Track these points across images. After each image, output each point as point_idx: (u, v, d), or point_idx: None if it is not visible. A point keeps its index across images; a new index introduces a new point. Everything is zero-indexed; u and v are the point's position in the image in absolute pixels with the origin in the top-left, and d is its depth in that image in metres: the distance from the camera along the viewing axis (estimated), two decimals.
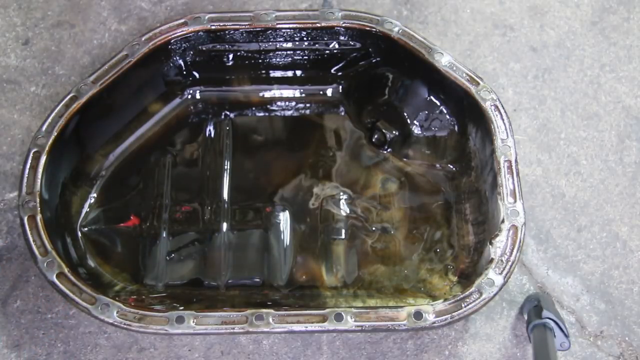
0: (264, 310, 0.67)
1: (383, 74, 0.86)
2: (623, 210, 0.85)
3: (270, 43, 0.84)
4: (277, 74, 0.89)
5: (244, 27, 0.81)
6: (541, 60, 0.93)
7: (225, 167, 0.85)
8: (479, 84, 0.76)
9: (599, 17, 0.96)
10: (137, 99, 0.85)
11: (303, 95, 0.90)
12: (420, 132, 0.85)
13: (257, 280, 0.79)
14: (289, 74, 0.89)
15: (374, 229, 0.82)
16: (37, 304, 0.81)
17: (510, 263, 0.69)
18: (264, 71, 0.88)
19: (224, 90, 0.89)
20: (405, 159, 0.86)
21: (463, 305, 0.67)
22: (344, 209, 0.83)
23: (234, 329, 0.67)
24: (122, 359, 0.79)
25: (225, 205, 0.82)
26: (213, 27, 0.81)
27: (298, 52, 0.85)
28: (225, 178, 0.84)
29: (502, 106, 0.76)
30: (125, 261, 0.80)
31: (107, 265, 0.79)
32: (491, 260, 0.69)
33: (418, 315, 0.67)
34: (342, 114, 0.89)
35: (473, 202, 0.80)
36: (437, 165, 0.85)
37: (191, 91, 0.89)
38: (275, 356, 0.79)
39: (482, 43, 0.94)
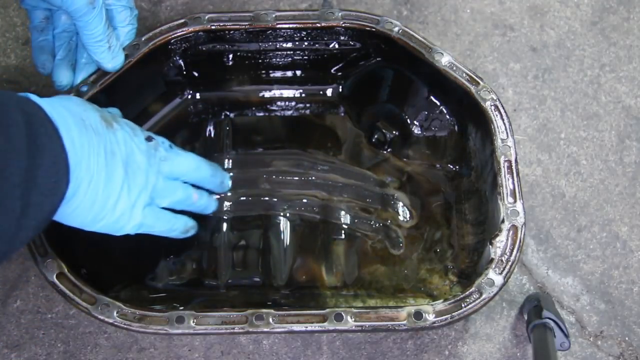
0: (264, 310, 0.67)
1: (383, 74, 0.86)
2: (623, 210, 0.85)
3: (270, 43, 0.84)
4: (277, 74, 0.89)
5: (244, 27, 0.81)
6: (541, 60, 0.93)
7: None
8: (479, 84, 0.76)
9: (599, 17, 0.96)
10: (137, 99, 0.85)
11: (303, 95, 0.90)
12: (420, 132, 0.85)
13: (257, 280, 0.79)
14: (289, 74, 0.89)
15: None
16: (37, 304, 0.81)
17: (510, 263, 0.69)
18: (264, 71, 0.88)
19: (224, 90, 0.89)
20: (405, 159, 0.86)
21: (463, 305, 0.67)
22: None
23: (234, 329, 0.67)
24: (122, 359, 0.79)
25: None
26: (213, 27, 0.80)
27: (298, 52, 0.85)
28: None
29: (502, 106, 0.75)
30: (125, 261, 0.80)
31: (107, 265, 0.79)
32: (491, 260, 0.69)
33: (418, 315, 0.67)
34: (342, 114, 0.89)
35: (473, 202, 0.80)
36: (437, 165, 0.85)
37: (191, 91, 0.89)
38: (275, 356, 0.79)
39: (482, 43, 0.94)
